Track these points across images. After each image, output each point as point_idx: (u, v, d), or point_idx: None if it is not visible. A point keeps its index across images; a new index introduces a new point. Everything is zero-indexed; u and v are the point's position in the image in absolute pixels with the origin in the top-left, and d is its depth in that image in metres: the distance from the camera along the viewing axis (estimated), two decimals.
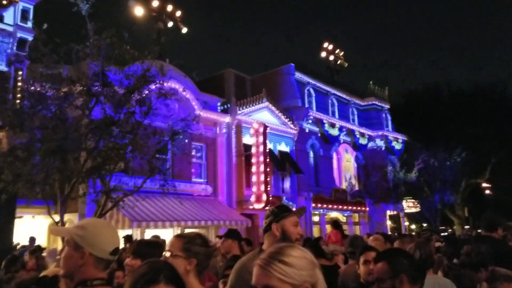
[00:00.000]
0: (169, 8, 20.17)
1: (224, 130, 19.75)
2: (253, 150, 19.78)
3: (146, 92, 11.05)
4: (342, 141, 27.24)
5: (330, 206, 23.95)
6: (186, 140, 15.26)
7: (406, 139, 30.21)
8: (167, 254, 2.36)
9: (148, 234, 13.43)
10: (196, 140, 17.88)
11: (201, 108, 18.14)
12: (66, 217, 11.45)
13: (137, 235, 14.67)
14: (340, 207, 24.88)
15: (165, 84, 11.56)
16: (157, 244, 3.33)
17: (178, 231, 15.72)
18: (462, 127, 31.80)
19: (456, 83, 39.04)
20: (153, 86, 11.22)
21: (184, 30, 20.76)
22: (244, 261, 2.82)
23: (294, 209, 3.82)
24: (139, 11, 18.91)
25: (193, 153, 18.25)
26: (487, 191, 34.27)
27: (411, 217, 33.24)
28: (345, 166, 27.99)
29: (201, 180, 18.75)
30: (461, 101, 34.81)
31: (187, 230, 16.57)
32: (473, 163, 29.39)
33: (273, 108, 22.02)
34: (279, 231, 2.83)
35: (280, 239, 2.76)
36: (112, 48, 10.50)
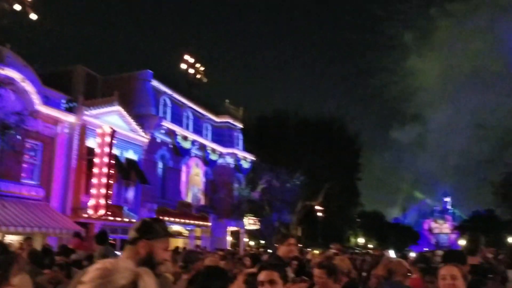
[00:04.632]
0: None
1: (66, 130, 18.27)
2: (97, 154, 18.65)
3: None
4: (193, 154, 27.39)
5: (174, 219, 23.73)
6: (19, 137, 13.77)
7: (254, 159, 31.66)
8: None
9: None
10: (31, 138, 16.24)
11: (41, 103, 16.55)
12: None
13: None
14: (184, 220, 24.84)
15: (1, 71, 10.29)
16: None
17: None
18: (303, 154, 34.47)
19: (303, 113, 42.15)
20: None
21: (33, 16, 18.77)
22: None
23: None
24: None
25: (26, 151, 16.48)
26: (319, 213, 37.53)
27: (251, 234, 34.69)
28: (194, 180, 28.16)
29: (32, 182, 17.03)
30: (305, 130, 37.84)
31: (9, 237, 14.83)
32: (310, 187, 31.96)
33: (124, 112, 21.16)
34: (145, 251, 2.46)
35: (143, 259, 2.39)
36: None
